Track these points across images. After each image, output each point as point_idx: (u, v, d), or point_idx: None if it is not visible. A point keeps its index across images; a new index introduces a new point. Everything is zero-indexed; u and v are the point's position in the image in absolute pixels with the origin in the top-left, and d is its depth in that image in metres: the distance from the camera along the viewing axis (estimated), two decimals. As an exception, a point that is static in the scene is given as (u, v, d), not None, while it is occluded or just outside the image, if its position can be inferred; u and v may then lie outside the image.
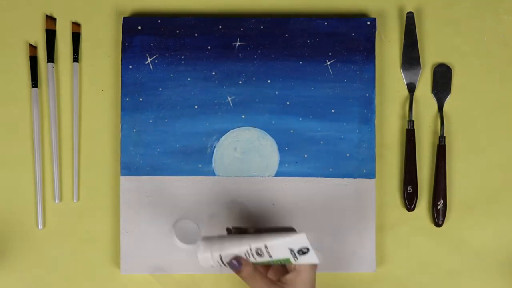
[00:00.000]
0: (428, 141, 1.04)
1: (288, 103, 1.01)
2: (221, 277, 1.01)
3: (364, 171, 1.01)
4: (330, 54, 1.02)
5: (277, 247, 0.86)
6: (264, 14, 1.04)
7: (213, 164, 1.01)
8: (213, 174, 1.01)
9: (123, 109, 1.01)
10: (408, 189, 1.02)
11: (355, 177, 1.01)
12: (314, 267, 0.89)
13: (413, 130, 1.02)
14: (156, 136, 1.01)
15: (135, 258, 1.00)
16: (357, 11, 1.05)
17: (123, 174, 1.00)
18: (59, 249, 1.01)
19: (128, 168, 1.00)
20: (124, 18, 1.01)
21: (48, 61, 1.02)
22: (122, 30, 1.01)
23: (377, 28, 1.03)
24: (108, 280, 1.01)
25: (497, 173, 1.03)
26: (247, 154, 1.01)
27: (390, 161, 1.03)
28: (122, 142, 1.00)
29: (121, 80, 1.01)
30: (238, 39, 1.02)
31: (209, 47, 1.01)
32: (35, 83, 1.01)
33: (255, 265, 0.88)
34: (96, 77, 1.03)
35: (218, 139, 1.01)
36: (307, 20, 1.02)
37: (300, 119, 1.01)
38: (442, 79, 1.04)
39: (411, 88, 1.04)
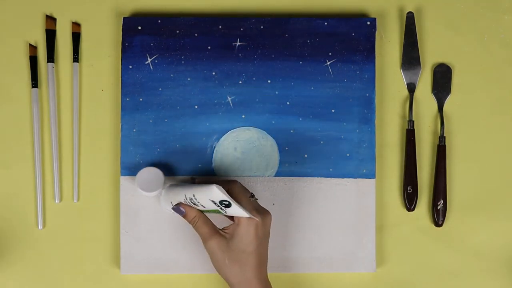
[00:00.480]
0: (428, 141, 1.04)
1: (288, 103, 1.01)
2: (220, 277, 1.01)
3: (364, 171, 1.01)
4: (330, 54, 1.02)
5: (201, 198, 0.89)
6: (264, 14, 1.04)
7: (213, 164, 1.01)
8: (213, 174, 1.01)
9: (123, 109, 1.01)
10: (408, 189, 1.02)
11: (355, 177, 1.01)
12: (252, 221, 0.90)
13: (413, 130, 1.02)
14: (156, 136, 1.00)
15: (135, 258, 1.00)
16: (357, 11, 1.05)
17: (123, 174, 1.00)
18: (59, 249, 1.01)
19: (128, 168, 1.00)
20: (124, 18, 1.01)
21: (48, 61, 1.02)
22: (122, 30, 1.01)
23: (377, 28, 1.03)
24: (108, 280, 1.01)
25: (497, 173, 1.03)
26: (247, 154, 1.01)
27: (390, 161, 1.03)
28: (122, 142, 1.00)
29: (121, 80, 1.01)
30: (238, 39, 1.02)
31: (209, 47, 1.01)
32: (35, 83, 1.01)
33: (202, 213, 0.92)
34: (96, 77, 1.03)
35: (218, 139, 1.01)
36: (307, 20, 1.02)
37: (300, 119, 1.01)
38: (442, 79, 1.04)
39: (411, 88, 1.04)
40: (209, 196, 0.88)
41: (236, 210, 0.88)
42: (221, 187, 0.87)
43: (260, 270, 0.91)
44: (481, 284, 1.02)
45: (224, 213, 0.90)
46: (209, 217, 0.93)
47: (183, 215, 0.92)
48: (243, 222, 0.90)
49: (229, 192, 0.92)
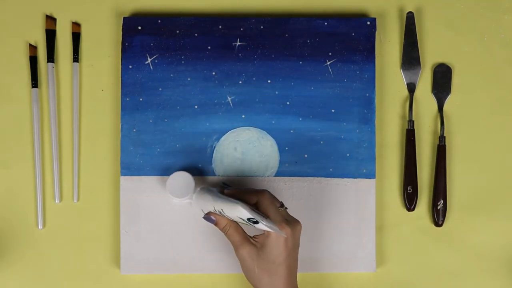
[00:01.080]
0: (428, 141, 1.04)
1: (288, 103, 1.01)
2: (220, 277, 1.01)
3: (364, 171, 1.01)
4: (330, 54, 1.02)
5: (229, 214, 0.89)
6: (264, 14, 1.04)
7: (213, 164, 1.01)
8: (213, 174, 1.01)
9: (123, 109, 1.01)
10: (408, 189, 1.02)
11: (355, 177, 1.01)
12: (281, 237, 0.89)
13: (413, 130, 1.02)
14: (156, 136, 1.01)
15: (135, 258, 1.00)
16: (357, 11, 1.05)
17: (123, 174, 1.00)
18: (59, 249, 1.01)
19: (128, 168, 1.00)
20: (124, 18, 1.01)
21: (48, 61, 1.02)
22: (122, 30, 1.01)
23: (377, 28, 1.03)
24: (108, 280, 1.01)
25: (497, 173, 1.03)
26: (247, 154, 1.01)
27: (390, 161, 1.03)
28: (122, 142, 1.00)
29: (121, 80, 1.01)
30: (238, 39, 1.02)
31: (209, 47, 1.01)
32: (35, 83, 1.01)
33: (233, 221, 0.92)
34: (96, 77, 1.03)
35: (218, 139, 1.01)
36: (307, 20, 1.02)
37: (300, 119, 1.01)
38: (442, 79, 1.04)
39: (411, 88, 1.04)
40: (237, 214, 0.88)
41: (263, 227, 0.87)
42: (246, 206, 0.87)
43: (289, 280, 0.90)
44: (481, 284, 1.02)
45: (254, 227, 0.89)
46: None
47: (214, 223, 0.92)
48: (273, 233, 0.89)
49: (258, 203, 0.91)
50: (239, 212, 0.87)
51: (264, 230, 0.90)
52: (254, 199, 0.91)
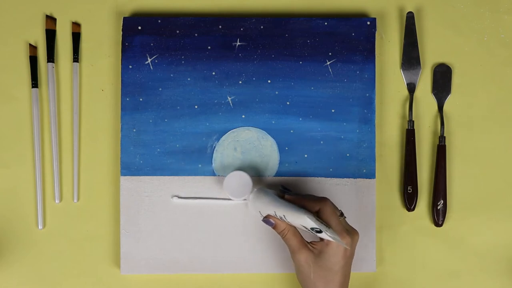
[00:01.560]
0: (428, 141, 1.04)
1: (288, 103, 1.01)
2: (221, 277, 1.01)
3: (364, 171, 1.01)
4: (330, 54, 1.02)
5: (292, 221, 0.89)
6: (264, 14, 1.04)
7: (213, 164, 1.01)
8: (213, 174, 1.01)
9: (123, 109, 1.01)
10: (408, 189, 1.02)
11: (355, 177, 1.01)
12: (341, 246, 0.90)
13: (413, 130, 1.02)
14: (156, 136, 1.01)
15: (135, 258, 1.00)
16: (357, 11, 1.05)
17: (123, 174, 1.00)
18: (59, 249, 1.01)
19: (128, 168, 1.00)
20: (124, 18, 1.01)
21: (48, 61, 1.02)
22: (122, 30, 1.01)
23: (377, 28, 1.03)
24: (108, 280, 1.01)
25: (497, 173, 1.03)
26: (247, 154, 1.01)
27: (390, 161, 1.03)
28: (122, 142, 1.00)
29: (121, 80, 1.01)
30: (238, 39, 1.02)
31: (209, 47, 1.01)
32: (35, 83, 1.01)
33: (291, 225, 0.92)
34: (96, 77, 1.03)
35: (218, 139, 1.01)
36: (307, 20, 1.02)
37: (300, 119, 1.01)
38: (442, 79, 1.04)
39: (411, 88, 1.04)
40: (300, 222, 0.88)
41: (326, 236, 0.87)
42: (312, 216, 0.87)
43: None
44: (481, 284, 1.02)
45: (317, 235, 0.89)
46: None
47: (273, 226, 0.93)
48: (334, 242, 0.90)
49: (320, 212, 0.91)
50: (305, 222, 0.87)
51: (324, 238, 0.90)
52: (316, 207, 0.91)
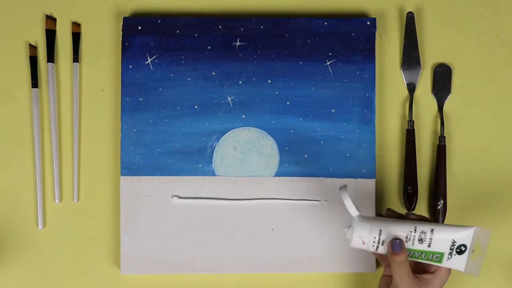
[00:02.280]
0: (428, 141, 1.04)
1: (288, 103, 1.01)
2: (221, 277, 1.01)
3: (364, 171, 1.01)
4: (330, 54, 1.02)
5: (442, 235, 0.87)
6: (264, 14, 1.04)
7: (213, 164, 1.01)
8: (213, 174, 1.01)
9: (123, 109, 1.01)
10: (408, 189, 1.02)
11: (355, 177, 1.01)
12: (448, 275, 0.90)
13: (413, 130, 1.02)
14: (156, 136, 1.01)
15: (135, 258, 1.00)
16: (357, 11, 1.05)
17: (123, 174, 1.00)
18: (59, 249, 1.01)
19: (128, 168, 1.00)
20: (124, 18, 1.01)
21: (48, 61, 1.02)
22: (122, 30, 1.01)
23: (377, 28, 1.03)
24: (108, 280, 1.01)
25: (497, 173, 1.03)
26: (247, 154, 1.01)
27: (390, 161, 1.03)
28: (122, 142, 1.00)
29: (121, 80, 1.01)
30: (238, 39, 1.02)
31: (209, 47, 1.01)
32: (35, 83, 1.01)
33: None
34: (96, 77, 1.03)
35: (218, 139, 1.01)
36: (307, 20, 1.02)
37: (300, 119, 1.01)
38: (442, 79, 1.04)
39: (411, 88, 1.04)
40: (457, 236, 0.87)
41: (461, 260, 0.87)
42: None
43: None
44: (481, 284, 1.02)
45: (445, 260, 0.88)
46: None
47: (398, 252, 0.87)
48: (443, 275, 0.89)
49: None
50: (466, 236, 0.86)
51: (431, 269, 0.90)
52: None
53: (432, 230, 0.88)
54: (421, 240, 0.88)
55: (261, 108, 1.01)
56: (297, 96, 1.01)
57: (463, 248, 0.87)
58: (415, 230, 0.88)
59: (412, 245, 0.88)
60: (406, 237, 0.88)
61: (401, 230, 0.88)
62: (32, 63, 1.02)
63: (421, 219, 0.90)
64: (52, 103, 1.01)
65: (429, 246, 0.88)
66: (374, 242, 0.89)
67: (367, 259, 1.01)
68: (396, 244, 0.88)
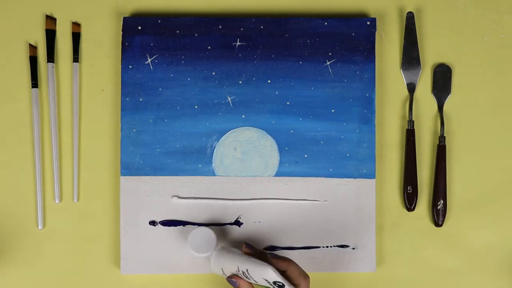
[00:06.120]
0: (428, 141, 1.04)
1: (288, 103, 1.01)
2: (220, 277, 1.01)
3: (364, 171, 1.01)
4: (330, 54, 1.02)
5: (254, 275, 0.89)
6: (264, 14, 1.04)
7: (213, 164, 1.01)
8: (213, 174, 1.01)
9: (123, 109, 1.01)
10: (408, 189, 1.02)
11: (355, 177, 1.01)
12: None
13: (413, 130, 1.02)
14: (156, 136, 1.01)
15: (135, 258, 1.00)
16: (357, 11, 1.05)
17: (123, 174, 1.00)
18: (59, 249, 1.01)
19: (128, 168, 1.00)
20: (124, 18, 1.01)
21: (48, 61, 1.02)
22: (122, 30, 1.01)
23: (377, 28, 1.03)
24: (108, 280, 1.01)
25: (497, 173, 1.03)
26: (247, 154, 1.01)
27: (390, 161, 1.03)
28: (122, 142, 1.00)
29: (121, 80, 1.01)
30: (238, 39, 1.02)
31: (209, 47, 1.01)
32: (35, 83, 1.01)
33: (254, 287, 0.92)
34: (96, 77, 1.03)
35: (218, 139, 1.01)
36: (307, 20, 1.02)
37: (300, 119, 1.01)
38: (442, 79, 1.04)
39: (411, 88, 1.04)
40: (263, 275, 0.88)
41: None
42: (275, 270, 0.88)
43: None
44: (481, 284, 1.02)
45: None
46: None
47: (236, 286, 0.92)
48: None
49: (287, 272, 0.91)
50: (268, 275, 0.88)
51: None
52: (284, 266, 0.91)
53: (247, 270, 0.90)
54: (247, 278, 0.91)
55: (261, 108, 1.01)
56: (297, 96, 1.01)
57: (280, 284, 0.88)
58: (238, 268, 0.91)
59: (249, 281, 0.91)
60: (237, 273, 0.92)
61: (232, 268, 0.92)
62: (32, 63, 1.02)
63: (277, 258, 0.91)
64: (52, 103, 1.01)
65: (255, 282, 0.91)
66: (222, 273, 0.94)
67: (367, 259, 1.01)
68: (230, 281, 0.92)
